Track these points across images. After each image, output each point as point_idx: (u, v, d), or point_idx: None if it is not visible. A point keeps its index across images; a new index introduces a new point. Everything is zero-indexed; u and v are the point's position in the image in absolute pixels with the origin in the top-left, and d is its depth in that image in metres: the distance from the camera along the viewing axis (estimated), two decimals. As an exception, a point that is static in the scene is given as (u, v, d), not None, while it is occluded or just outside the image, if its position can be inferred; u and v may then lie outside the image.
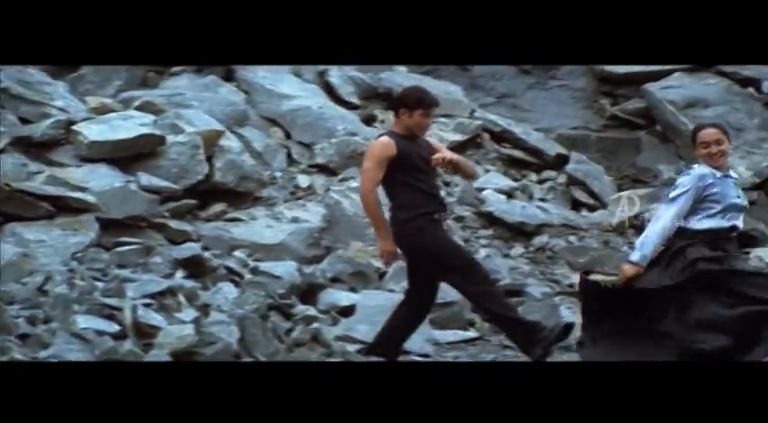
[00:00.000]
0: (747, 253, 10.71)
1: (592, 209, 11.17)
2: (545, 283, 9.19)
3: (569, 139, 12.28)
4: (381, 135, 6.81)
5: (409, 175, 6.52)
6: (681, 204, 6.03)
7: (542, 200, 11.09)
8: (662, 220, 6.04)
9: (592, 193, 11.37)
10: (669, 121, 12.22)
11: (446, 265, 6.53)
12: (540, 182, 11.55)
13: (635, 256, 6.07)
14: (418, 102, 6.59)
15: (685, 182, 6.07)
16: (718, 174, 6.13)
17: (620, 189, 11.63)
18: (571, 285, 9.15)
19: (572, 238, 10.25)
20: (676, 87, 12.36)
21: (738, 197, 6.26)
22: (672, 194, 6.09)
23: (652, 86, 12.40)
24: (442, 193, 10.40)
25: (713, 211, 6.09)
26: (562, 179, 11.53)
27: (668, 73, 12.48)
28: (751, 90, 12.45)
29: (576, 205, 11.29)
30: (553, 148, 11.92)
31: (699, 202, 6.07)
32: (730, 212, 6.17)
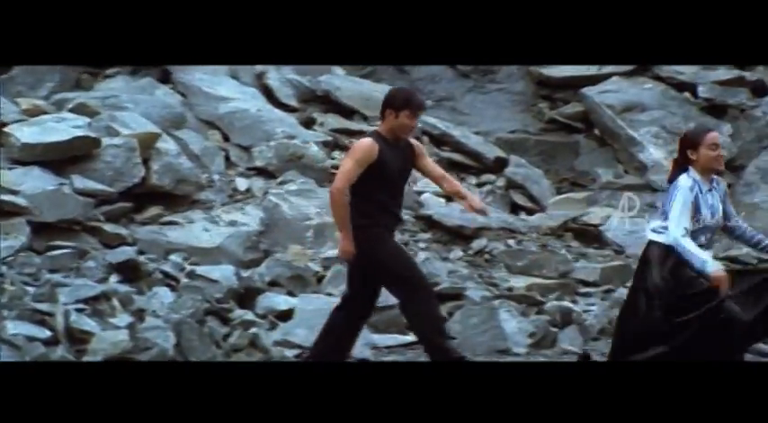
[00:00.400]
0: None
1: (531, 212, 11.16)
2: (484, 287, 9.16)
3: (508, 142, 12.27)
4: (367, 136, 6.68)
5: (379, 184, 6.45)
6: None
7: None
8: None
9: (531, 197, 11.36)
10: (607, 124, 12.25)
11: (393, 275, 6.48)
12: (479, 185, 11.50)
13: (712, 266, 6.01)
14: (405, 103, 6.49)
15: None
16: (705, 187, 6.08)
17: (558, 192, 11.65)
18: (510, 289, 9.18)
19: (511, 242, 10.24)
20: (614, 91, 12.37)
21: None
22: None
23: (590, 90, 12.40)
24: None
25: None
26: (501, 182, 11.51)
27: (606, 77, 12.50)
28: (687, 94, 12.49)
29: (515, 209, 11.27)
30: (492, 152, 11.89)
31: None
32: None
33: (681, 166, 6.15)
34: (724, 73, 12.50)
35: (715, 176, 6.20)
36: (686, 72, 12.51)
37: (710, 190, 6.06)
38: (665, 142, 12.00)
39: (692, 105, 12.41)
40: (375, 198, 6.45)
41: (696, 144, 6.07)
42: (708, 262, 5.99)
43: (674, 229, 5.95)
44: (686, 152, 6.10)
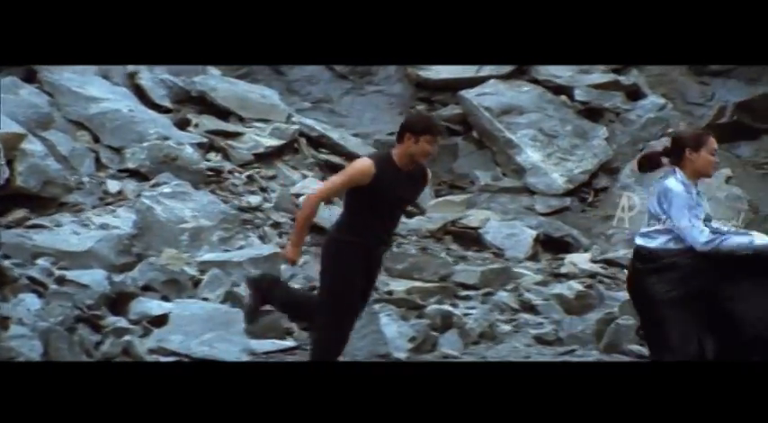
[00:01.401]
0: (562, 259, 10.90)
1: (410, 215, 11.03)
2: (364, 291, 9.00)
3: (386, 144, 12.06)
4: (371, 156, 6.41)
5: (369, 206, 6.23)
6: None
7: None
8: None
9: None
10: (485, 127, 12.29)
11: (326, 291, 6.31)
12: None
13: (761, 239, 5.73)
14: (426, 128, 6.26)
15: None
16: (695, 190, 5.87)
17: (437, 195, 11.67)
18: (389, 293, 9.08)
19: (391, 245, 10.15)
20: (492, 94, 12.45)
21: None
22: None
23: (468, 93, 12.46)
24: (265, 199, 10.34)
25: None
26: None
27: (484, 79, 12.56)
28: (564, 98, 12.63)
29: None
30: (371, 154, 11.77)
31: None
32: None
33: (670, 165, 5.88)
34: (599, 76, 12.69)
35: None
36: (563, 75, 12.64)
37: (698, 193, 5.92)
38: (542, 145, 12.10)
39: (569, 108, 12.55)
40: (362, 217, 6.24)
41: (699, 146, 5.83)
42: (754, 238, 5.75)
43: (699, 236, 5.67)
44: (684, 152, 5.81)
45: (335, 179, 6.35)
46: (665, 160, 5.90)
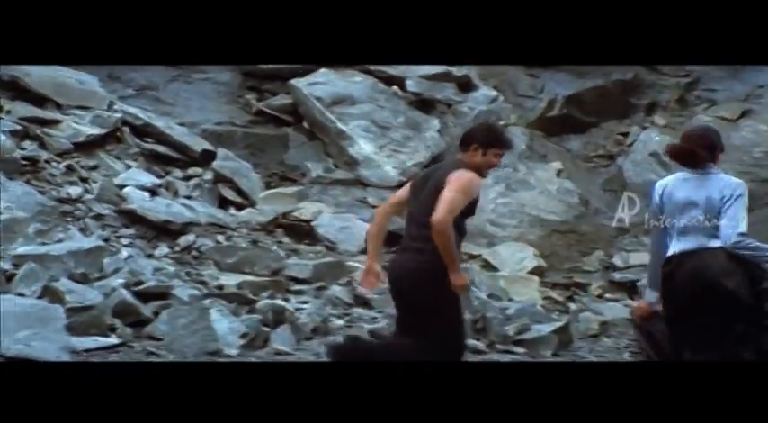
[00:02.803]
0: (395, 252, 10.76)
1: (240, 207, 10.78)
2: (192, 285, 8.69)
3: (215, 134, 11.85)
4: (467, 168, 5.91)
5: (464, 218, 5.93)
6: None
7: (188, 197, 10.55)
8: None
9: (240, 191, 10.99)
10: (316, 117, 12.07)
11: (440, 313, 5.90)
12: (186, 179, 10.99)
13: None
14: (495, 141, 5.99)
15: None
16: None
17: (268, 187, 11.37)
18: (220, 287, 8.76)
19: (220, 238, 9.86)
20: (323, 84, 12.23)
21: None
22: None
23: (298, 82, 12.22)
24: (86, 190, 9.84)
25: None
26: (209, 176, 11.05)
27: (314, 69, 12.31)
28: (396, 88, 12.50)
29: (224, 203, 10.85)
30: (198, 144, 11.40)
31: None
32: None
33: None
34: (431, 68, 12.58)
35: None
36: (395, 66, 12.49)
37: None
38: (375, 136, 11.97)
39: (401, 99, 12.44)
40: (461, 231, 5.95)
41: (720, 145, 6.01)
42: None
43: (743, 228, 5.73)
44: (716, 153, 5.94)
45: (459, 197, 5.79)
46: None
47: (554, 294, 10.62)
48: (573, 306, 10.32)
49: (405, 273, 5.89)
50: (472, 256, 10.91)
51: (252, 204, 10.85)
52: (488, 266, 10.87)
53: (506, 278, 10.54)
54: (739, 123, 12.73)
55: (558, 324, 8.93)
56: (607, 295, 10.88)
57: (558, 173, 12.30)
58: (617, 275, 11.17)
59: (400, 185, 11.81)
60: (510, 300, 9.84)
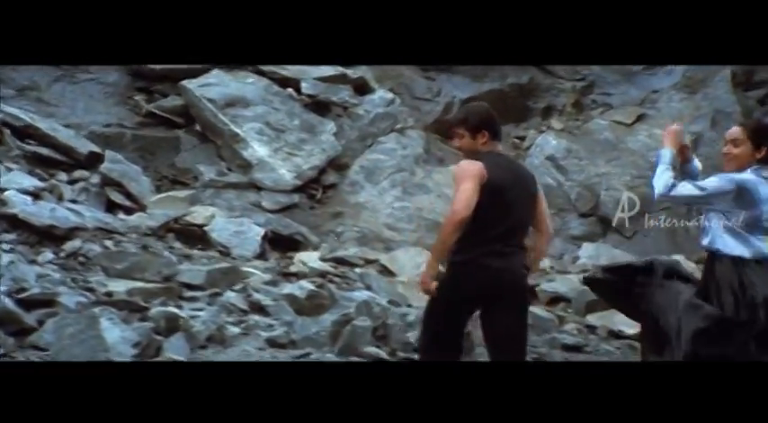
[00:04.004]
0: (291, 257, 10.56)
1: (129, 211, 10.49)
2: (79, 292, 8.35)
3: (102, 136, 11.56)
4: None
5: None
6: None
7: (74, 201, 10.23)
8: None
9: (129, 195, 10.71)
10: (209, 120, 11.83)
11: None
12: (72, 182, 10.68)
13: None
14: (485, 123, 5.91)
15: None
16: None
17: (158, 190, 11.13)
18: (109, 294, 8.41)
19: (108, 243, 9.49)
20: (215, 85, 12.02)
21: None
22: None
23: (190, 83, 11.96)
24: None
25: None
26: (96, 179, 10.75)
27: (206, 70, 12.07)
28: (290, 90, 12.33)
29: (112, 207, 10.57)
30: (85, 146, 11.08)
31: None
32: None
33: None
34: (327, 69, 12.45)
35: None
36: (289, 67, 12.34)
37: None
38: (269, 139, 11.79)
39: (296, 102, 12.28)
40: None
41: None
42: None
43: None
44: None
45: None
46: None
47: (453, 300, 10.50)
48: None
49: (522, 276, 5.93)
50: (369, 261, 10.75)
51: (142, 208, 10.59)
52: (386, 271, 10.71)
53: (405, 283, 10.39)
54: (635, 128, 12.84)
55: (460, 330, 8.79)
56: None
57: (456, 177, 12.21)
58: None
59: (296, 189, 11.70)
60: (409, 306, 9.68)
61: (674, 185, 5.64)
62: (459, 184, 5.73)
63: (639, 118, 12.95)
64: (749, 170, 5.65)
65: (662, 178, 5.69)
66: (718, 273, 5.62)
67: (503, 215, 5.80)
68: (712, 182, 5.65)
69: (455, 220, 5.66)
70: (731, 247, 5.60)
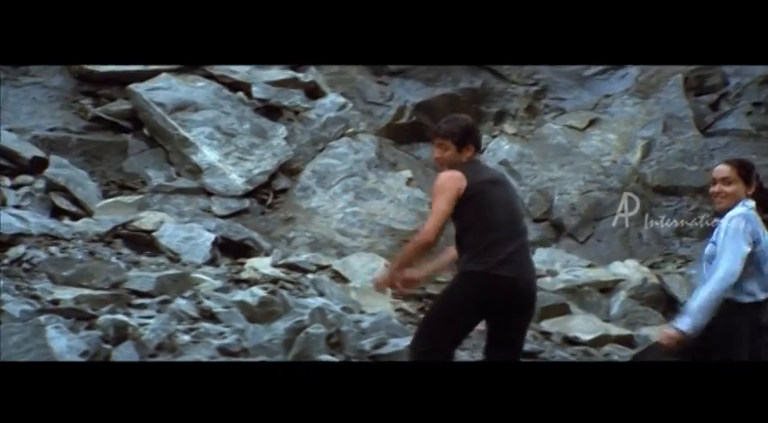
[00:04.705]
0: (242, 263, 10.42)
1: (75, 217, 10.31)
2: (24, 300, 8.13)
3: (47, 141, 11.40)
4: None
5: None
6: None
7: (18, 207, 10.07)
8: None
9: (75, 200, 10.56)
10: (157, 124, 11.68)
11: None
12: (15, 187, 10.52)
13: None
14: (469, 136, 5.88)
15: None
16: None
17: (106, 196, 10.99)
18: (55, 302, 8.22)
19: (54, 249, 9.30)
20: (164, 89, 11.89)
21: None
22: None
23: (138, 87, 11.84)
24: None
25: None
26: (40, 184, 10.58)
27: (155, 73, 11.90)
28: (241, 94, 12.21)
29: (58, 213, 10.41)
30: (29, 151, 10.91)
31: None
32: None
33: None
34: (278, 73, 12.39)
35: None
36: (240, 71, 12.23)
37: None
38: (219, 144, 11.68)
39: (247, 106, 12.17)
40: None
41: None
42: None
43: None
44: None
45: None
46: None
47: (406, 306, 10.39)
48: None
49: (532, 284, 5.92)
50: (321, 267, 10.62)
51: (88, 214, 10.43)
52: (339, 277, 10.58)
53: (358, 290, 10.27)
54: (588, 132, 12.82)
55: (416, 337, 8.68)
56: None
57: (409, 181, 12.15)
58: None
59: (246, 194, 11.55)
60: (362, 312, 9.56)
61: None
62: (436, 197, 5.79)
63: (592, 122, 12.96)
64: (740, 203, 5.74)
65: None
66: None
67: (501, 212, 5.84)
68: (733, 253, 5.65)
69: (422, 244, 5.78)
70: None
